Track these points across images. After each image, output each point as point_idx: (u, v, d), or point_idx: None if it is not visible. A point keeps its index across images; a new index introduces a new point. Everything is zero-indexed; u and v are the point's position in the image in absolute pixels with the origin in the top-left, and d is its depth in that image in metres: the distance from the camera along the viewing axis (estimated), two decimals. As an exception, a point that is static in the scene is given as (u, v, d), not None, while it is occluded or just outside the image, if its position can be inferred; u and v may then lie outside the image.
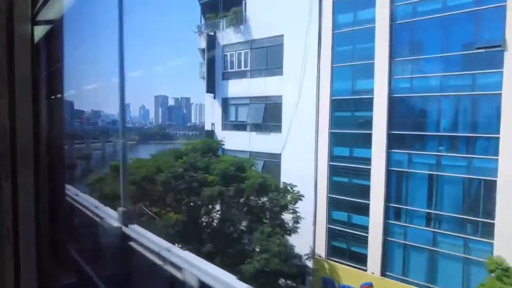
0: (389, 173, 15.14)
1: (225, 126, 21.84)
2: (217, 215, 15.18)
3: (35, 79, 1.56)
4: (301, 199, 14.75)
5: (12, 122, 1.43)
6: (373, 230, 15.53)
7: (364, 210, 15.85)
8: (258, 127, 20.21)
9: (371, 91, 15.43)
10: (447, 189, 14.21)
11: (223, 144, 18.73)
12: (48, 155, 1.79)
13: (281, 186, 15.24)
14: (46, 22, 1.79)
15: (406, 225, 15.03)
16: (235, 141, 19.89)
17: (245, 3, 20.62)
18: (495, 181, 12.51)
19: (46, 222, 1.75)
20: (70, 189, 5.32)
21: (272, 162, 19.00)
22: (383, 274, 15.34)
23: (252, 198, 14.89)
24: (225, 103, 21.95)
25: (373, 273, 15.41)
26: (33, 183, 1.52)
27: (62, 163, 2.20)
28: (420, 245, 14.66)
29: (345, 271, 16.14)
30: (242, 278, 9.04)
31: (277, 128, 18.95)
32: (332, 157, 16.93)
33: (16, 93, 1.44)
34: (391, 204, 15.26)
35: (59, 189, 2.17)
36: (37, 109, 1.59)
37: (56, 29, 1.89)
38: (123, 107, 7.06)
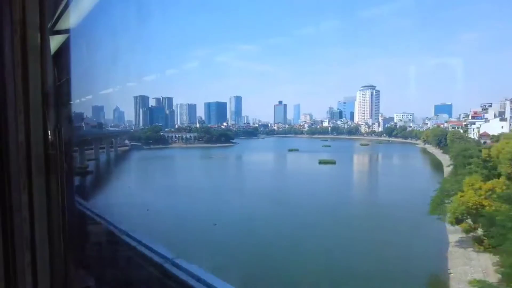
0: None
1: None
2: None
3: (46, 90, 1.64)
4: None
5: (27, 136, 1.51)
6: None
7: None
8: None
9: None
10: None
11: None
12: (59, 164, 1.84)
13: None
14: (59, 33, 1.85)
15: None
16: None
17: None
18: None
19: (60, 229, 1.83)
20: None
21: None
22: None
23: None
24: None
25: None
26: (45, 193, 1.64)
27: (72, 171, 2.31)
28: None
29: None
30: None
31: None
32: None
33: (30, 107, 1.51)
34: None
35: (70, 196, 2.25)
36: (48, 120, 1.66)
37: (67, 40, 1.96)
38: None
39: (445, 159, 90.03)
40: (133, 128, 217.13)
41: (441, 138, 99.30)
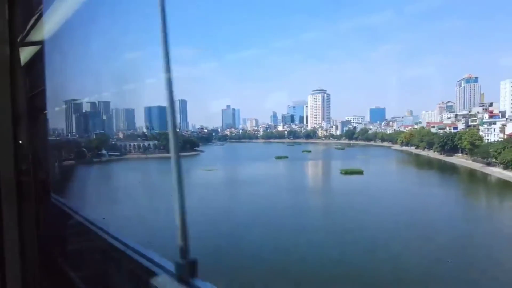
0: None
1: None
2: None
3: (16, 103, 1.51)
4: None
5: None
6: None
7: None
8: None
9: None
10: None
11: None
12: (32, 184, 1.73)
13: None
14: (29, 45, 1.78)
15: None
16: None
17: None
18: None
19: (34, 249, 1.73)
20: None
21: None
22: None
23: None
24: None
25: None
26: (17, 213, 1.50)
27: (47, 189, 2.22)
28: None
29: None
30: None
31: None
32: None
33: None
34: None
35: (44, 215, 2.09)
36: (19, 139, 1.53)
37: (38, 52, 1.89)
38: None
39: (461, 162, 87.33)
40: (68, 136, 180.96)
41: (446, 140, 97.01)
